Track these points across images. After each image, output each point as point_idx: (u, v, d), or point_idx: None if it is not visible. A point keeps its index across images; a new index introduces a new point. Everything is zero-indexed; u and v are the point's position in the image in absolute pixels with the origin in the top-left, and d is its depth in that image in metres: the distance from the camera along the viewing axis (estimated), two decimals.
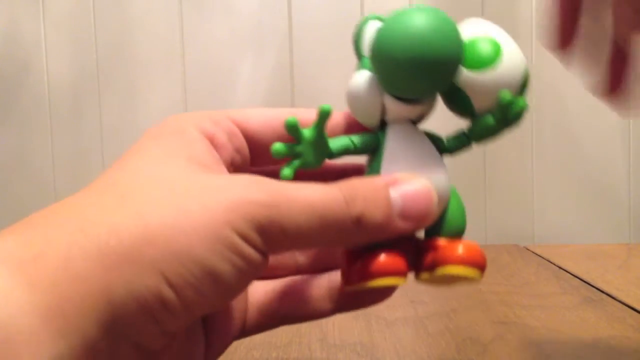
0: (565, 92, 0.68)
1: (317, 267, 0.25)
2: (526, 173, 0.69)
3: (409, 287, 0.46)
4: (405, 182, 0.20)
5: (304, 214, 0.18)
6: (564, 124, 0.68)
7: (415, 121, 0.23)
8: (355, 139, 0.22)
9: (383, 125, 0.22)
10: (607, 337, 0.33)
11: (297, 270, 0.25)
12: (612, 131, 0.68)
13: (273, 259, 0.24)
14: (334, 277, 0.24)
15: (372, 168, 0.22)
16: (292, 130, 0.21)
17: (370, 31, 0.22)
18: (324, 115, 0.21)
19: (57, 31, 0.70)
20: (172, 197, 0.17)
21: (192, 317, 0.17)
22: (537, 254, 0.57)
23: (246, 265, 0.17)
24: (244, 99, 0.70)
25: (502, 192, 0.70)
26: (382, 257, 0.21)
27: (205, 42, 0.70)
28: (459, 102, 0.22)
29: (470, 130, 0.22)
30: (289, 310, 0.24)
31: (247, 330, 0.24)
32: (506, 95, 0.21)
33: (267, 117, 0.23)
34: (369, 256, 0.21)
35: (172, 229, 0.16)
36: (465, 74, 0.21)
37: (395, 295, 0.43)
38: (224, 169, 0.21)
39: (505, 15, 0.68)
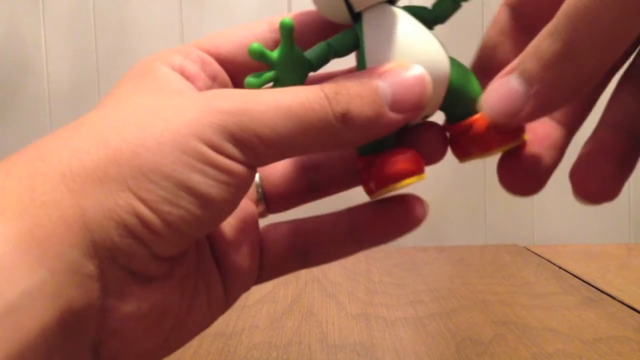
0: None
1: (335, 188, 0.23)
2: None
3: (409, 287, 0.46)
4: (394, 70, 0.18)
5: (278, 116, 0.17)
6: None
7: (391, 1, 0.20)
8: (332, 40, 0.20)
9: (358, 16, 0.20)
10: (607, 337, 0.33)
11: (313, 196, 0.24)
12: None
13: (285, 187, 0.23)
14: (355, 212, 0.22)
15: (359, 65, 0.20)
16: (259, 57, 0.19)
17: None
18: (286, 30, 0.19)
19: (57, 31, 0.70)
20: (134, 118, 0.17)
21: (182, 237, 0.17)
22: (537, 254, 0.57)
23: (226, 177, 0.17)
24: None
25: (502, 192, 0.70)
26: (398, 158, 0.19)
27: None
28: None
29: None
30: (306, 251, 0.22)
31: (266, 273, 0.23)
32: None
33: (239, 37, 0.22)
34: (382, 160, 0.19)
35: (135, 145, 0.16)
36: None
37: (395, 295, 0.43)
38: (195, 92, 0.20)
39: None
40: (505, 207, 0.70)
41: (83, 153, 0.16)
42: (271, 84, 0.20)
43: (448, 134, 0.22)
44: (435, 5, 0.21)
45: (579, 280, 0.46)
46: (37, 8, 0.69)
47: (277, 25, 0.21)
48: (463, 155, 0.21)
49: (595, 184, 0.18)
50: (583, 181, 0.19)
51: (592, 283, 0.45)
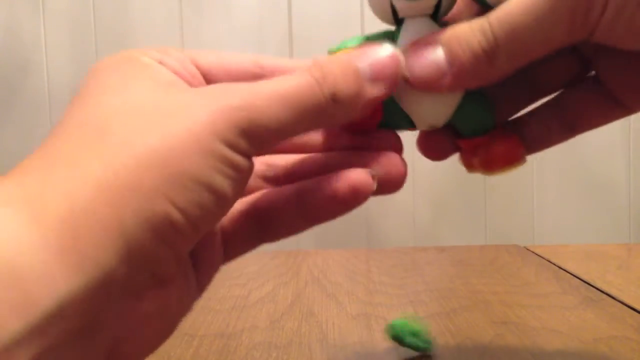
0: None
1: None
2: (526, 173, 0.69)
3: (409, 287, 0.46)
4: (367, 51, 0.20)
5: (281, 106, 0.18)
6: None
7: (435, 16, 0.22)
8: (370, 36, 0.23)
9: (401, 22, 0.22)
10: (607, 337, 0.33)
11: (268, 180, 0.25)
12: (612, 131, 0.68)
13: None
14: (304, 187, 0.23)
15: None
16: None
17: None
18: None
19: (57, 31, 0.70)
20: (152, 122, 0.17)
21: (198, 235, 0.17)
22: (537, 254, 0.57)
23: (238, 174, 0.18)
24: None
25: (502, 192, 0.70)
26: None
27: (205, 42, 0.70)
28: None
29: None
30: (262, 229, 0.23)
31: (231, 253, 0.23)
32: None
33: (223, 60, 0.23)
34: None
35: (163, 151, 0.16)
36: None
37: (395, 295, 0.43)
38: (188, 86, 0.21)
39: None
40: (505, 207, 0.70)
41: (115, 163, 0.16)
42: None
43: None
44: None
45: (579, 280, 0.46)
46: (37, 8, 0.69)
47: (261, 62, 0.23)
48: (469, 167, 0.24)
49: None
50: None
51: (592, 283, 0.45)
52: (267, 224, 0.23)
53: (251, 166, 0.18)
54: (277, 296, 0.44)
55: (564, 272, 0.49)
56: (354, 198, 0.21)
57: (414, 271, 0.51)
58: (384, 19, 0.23)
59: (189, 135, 0.17)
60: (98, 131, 0.17)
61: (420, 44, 0.21)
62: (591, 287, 0.44)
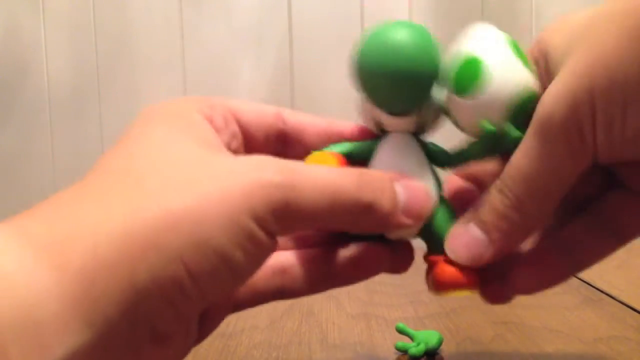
0: None
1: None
2: None
3: (408, 287, 0.46)
4: (407, 179, 0.21)
5: (319, 194, 0.18)
6: None
7: (417, 132, 0.23)
8: (355, 146, 0.23)
9: (383, 133, 0.23)
10: (607, 337, 0.33)
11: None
12: None
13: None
14: (328, 255, 0.23)
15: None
16: None
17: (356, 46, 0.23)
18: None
19: (57, 31, 0.70)
20: (190, 181, 0.17)
21: (206, 302, 0.17)
22: None
23: (259, 251, 0.17)
24: (244, 99, 0.70)
25: None
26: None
27: (205, 42, 0.70)
28: (452, 121, 0.22)
29: (462, 152, 0.23)
30: (281, 288, 0.23)
31: (242, 306, 0.23)
32: (486, 125, 0.20)
33: (259, 112, 0.23)
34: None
35: (194, 216, 0.16)
36: (448, 96, 0.21)
37: (395, 295, 0.43)
38: (228, 152, 0.21)
39: (504, 14, 0.68)
40: None
41: (145, 215, 0.16)
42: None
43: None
44: (450, 155, 0.23)
45: (579, 280, 0.46)
46: (37, 8, 0.69)
47: (284, 115, 0.24)
48: (428, 286, 0.24)
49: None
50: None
51: (592, 283, 0.45)
52: (288, 285, 0.23)
53: (274, 246, 0.18)
54: None
55: None
56: (377, 273, 0.23)
57: (414, 271, 0.51)
58: (371, 128, 0.23)
59: (221, 204, 0.17)
60: (133, 181, 0.17)
61: (455, 226, 0.22)
62: (591, 287, 0.44)
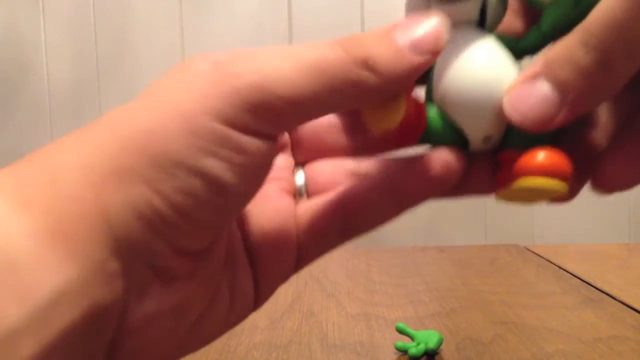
0: None
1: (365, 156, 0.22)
2: None
3: (408, 287, 0.46)
4: (407, 20, 0.18)
5: (298, 72, 0.15)
6: None
7: (483, 24, 0.20)
8: None
9: None
10: (607, 337, 0.33)
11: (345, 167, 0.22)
12: None
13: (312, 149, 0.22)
14: (390, 174, 0.20)
15: (429, 77, 0.20)
16: None
17: None
18: None
19: (57, 31, 0.70)
20: (146, 104, 0.16)
21: (202, 228, 0.16)
22: (537, 254, 0.57)
23: (244, 156, 0.15)
24: None
25: None
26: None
27: (205, 42, 0.70)
28: None
29: (544, 20, 0.19)
30: (345, 225, 0.20)
31: (304, 258, 0.21)
32: None
33: None
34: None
35: (145, 132, 0.15)
36: None
37: (395, 295, 0.43)
38: None
39: None
40: (505, 207, 0.70)
41: (100, 143, 0.15)
42: None
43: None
44: (525, 37, 0.20)
45: (579, 280, 0.46)
46: (37, 8, 0.69)
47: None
48: (501, 185, 0.20)
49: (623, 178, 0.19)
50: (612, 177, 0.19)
51: (592, 283, 0.45)
52: (354, 218, 0.20)
53: (270, 148, 0.16)
54: (277, 296, 0.44)
55: (564, 272, 0.49)
56: (446, 176, 0.19)
57: (414, 271, 0.51)
58: None
59: (175, 113, 0.15)
60: (100, 119, 0.16)
61: (517, 83, 0.18)
62: (591, 287, 0.44)
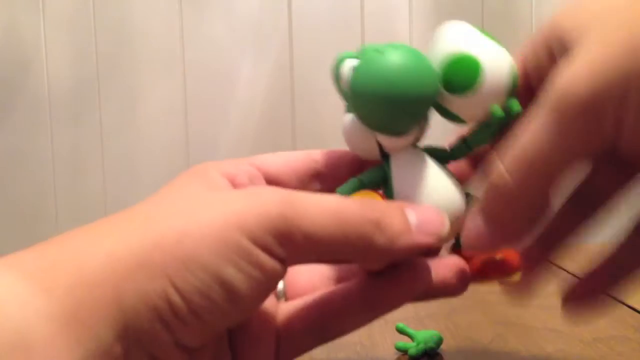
0: None
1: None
2: None
3: None
4: (419, 206, 0.20)
5: (320, 212, 0.17)
6: None
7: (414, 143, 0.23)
8: (363, 177, 0.22)
9: (386, 155, 0.22)
10: (607, 337, 0.33)
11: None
12: None
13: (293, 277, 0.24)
14: (365, 282, 0.22)
15: (387, 196, 0.22)
16: None
17: (346, 70, 0.22)
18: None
19: (57, 31, 0.70)
20: (183, 208, 0.17)
21: (206, 329, 0.17)
22: None
23: (260, 274, 0.17)
24: (244, 99, 0.70)
25: None
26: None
27: (205, 42, 0.70)
28: (449, 117, 0.22)
29: (469, 140, 0.22)
30: (322, 329, 0.22)
31: (285, 354, 0.22)
32: (497, 111, 0.21)
33: (286, 160, 0.24)
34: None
35: (180, 233, 0.16)
36: (449, 97, 0.21)
37: None
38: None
39: (504, 15, 0.68)
40: None
41: (131, 237, 0.16)
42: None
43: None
44: (453, 149, 0.23)
45: None
46: (37, 8, 0.69)
47: (314, 155, 0.24)
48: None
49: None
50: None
51: None
52: (330, 324, 0.22)
53: (281, 271, 0.17)
54: None
55: (564, 272, 0.49)
56: (422, 285, 0.22)
57: None
58: (368, 156, 0.23)
59: (211, 223, 0.16)
60: (129, 214, 0.18)
61: (466, 223, 0.22)
62: None
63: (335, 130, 0.69)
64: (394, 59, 0.20)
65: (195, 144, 0.71)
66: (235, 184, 0.22)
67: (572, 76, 0.18)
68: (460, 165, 0.25)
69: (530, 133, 0.19)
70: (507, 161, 0.20)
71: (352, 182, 0.22)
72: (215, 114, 0.70)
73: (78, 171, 0.70)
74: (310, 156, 0.24)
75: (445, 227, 0.20)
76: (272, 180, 0.23)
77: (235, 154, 0.71)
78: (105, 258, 0.16)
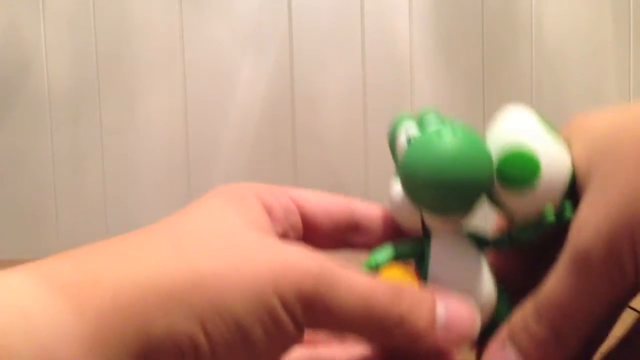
0: (566, 91, 0.68)
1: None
2: None
3: None
4: (452, 300, 0.20)
5: (350, 294, 0.18)
6: (565, 121, 0.68)
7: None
8: (400, 248, 0.22)
9: (427, 231, 0.22)
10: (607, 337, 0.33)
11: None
12: None
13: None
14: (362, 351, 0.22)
15: (421, 274, 0.22)
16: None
17: (402, 139, 0.22)
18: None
19: (57, 31, 0.70)
20: (224, 249, 0.18)
21: None
22: None
23: (280, 335, 0.17)
24: (244, 100, 0.70)
25: None
26: None
27: (205, 43, 0.70)
28: (499, 207, 0.21)
29: (515, 235, 0.22)
30: None
31: None
32: (550, 216, 0.20)
33: (326, 202, 0.23)
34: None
35: (220, 280, 0.17)
36: (503, 192, 0.20)
37: None
38: (276, 236, 0.21)
39: (504, 15, 0.68)
40: None
41: (173, 270, 0.17)
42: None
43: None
44: (495, 240, 0.22)
45: None
46: (37, 8, 0.69)
47: (353, 205, 0.24)
48: None
49: None
50: None
51: None
52: None
53: (299, 336, 0.18)
54: None
55: None
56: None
57: None
58: (410, 226, 0.23)
59: (250, 276, 0.17)
60: (173, 240, 0.18)
61: (492, 346, 0.21)
62: None
63: (335, 130, 0.69)
64: (452, 145, 0.19)
65: (195, 144, 0.71)
66: (271, 215, 0.22)
67: (589, 232, 0.18)
68: (498, 256, 0.24)
69: (558, 286, 0.19)
70: (540, 311, 0.20)
71: (387, 249, 0.22)
72: (215, 114, 0.70)
73: (78, 171, 0.70)
74: (349, 205, 0.24)
75: (475, 328, 0.20)
76: (307, 219, 0.23)
77: (235, 154, 0.71)
78: (144, 287, 0.16)
